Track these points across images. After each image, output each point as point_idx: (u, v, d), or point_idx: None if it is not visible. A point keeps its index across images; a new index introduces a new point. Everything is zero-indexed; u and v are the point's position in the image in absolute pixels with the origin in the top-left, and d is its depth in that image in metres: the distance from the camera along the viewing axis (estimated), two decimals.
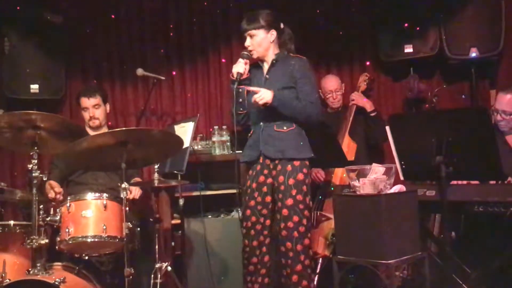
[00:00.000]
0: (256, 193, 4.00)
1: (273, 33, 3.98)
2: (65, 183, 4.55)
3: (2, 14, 5.02)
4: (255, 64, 4.10)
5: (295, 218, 3.86)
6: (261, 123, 3.98)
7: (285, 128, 3.93)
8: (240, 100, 3.99)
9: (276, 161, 3.93)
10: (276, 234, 4.01)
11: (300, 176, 3.90)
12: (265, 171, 3.99)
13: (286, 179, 3.88)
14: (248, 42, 3.98)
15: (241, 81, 3.93)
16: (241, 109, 4.03)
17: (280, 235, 3.93)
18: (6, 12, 5.03)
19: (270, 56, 4.02)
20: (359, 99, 5.11)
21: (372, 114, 5.07)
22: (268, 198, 4.00)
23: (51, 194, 4.07)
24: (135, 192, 4.28)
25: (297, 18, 5.62)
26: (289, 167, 3.89)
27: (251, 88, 3.89)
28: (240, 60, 3.95)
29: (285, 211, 3.88)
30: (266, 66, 4.06)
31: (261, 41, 3.96)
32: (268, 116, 3.94)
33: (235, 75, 3.91)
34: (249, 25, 3.95)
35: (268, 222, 4.01)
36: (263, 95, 3.80)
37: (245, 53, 3.96)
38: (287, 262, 3.91)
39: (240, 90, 3.97)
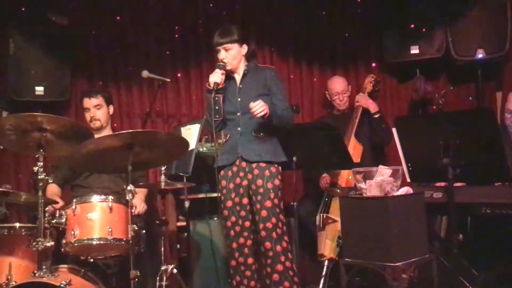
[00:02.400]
0: (233, 194, 4.12)
1: (245, 47, 4.16)
2: (70, 186, 4.55)
3: (7, 16, 5.01)
4: (227, 76, 4.20)
5: (273, 220, 3.98)
6: (239, 129, 4.12)
7: (261, 134, 4.08)
8: (217, 107, 4.10)
9: (253, 165, 4.05)
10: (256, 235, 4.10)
11: (277, 182, 4.05)
12: (241, 174, 4.10)
13: (265, 183, 4.01)
14: (223, 55, 4.12)
15: (217, 90, 4.06)
16: (217, 116, 4.13)
17: (259, 235, 4.03)
18: (11, 14, 5.02)
19: (241, 68, 4.19)
20: (363, 100, 5.10)
21: (375, 116, 5.05)
22: (245, 200, 4.11)
23: (58, 204, 4.06)
24: (140, 208, 4.26)
25: (303, 20, 5.64)
26: (267, 172, 4.04)
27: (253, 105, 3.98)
28: (217, 70, 4.08)
29: (264, 212, 3.98)
30: (238, 77, 4.20)
31: (236, 54, 4.13)
32: (246, 122, 4.09)
33: (211, 85, 4.04)
34: (224, 39, 4.11)
35: (247, 223, 4.10)
36: (264, 106, 3.92)
37: (221, 64, 4.10)
38: (267, 262, 4.01)
39: (217, 98, 4.09)
